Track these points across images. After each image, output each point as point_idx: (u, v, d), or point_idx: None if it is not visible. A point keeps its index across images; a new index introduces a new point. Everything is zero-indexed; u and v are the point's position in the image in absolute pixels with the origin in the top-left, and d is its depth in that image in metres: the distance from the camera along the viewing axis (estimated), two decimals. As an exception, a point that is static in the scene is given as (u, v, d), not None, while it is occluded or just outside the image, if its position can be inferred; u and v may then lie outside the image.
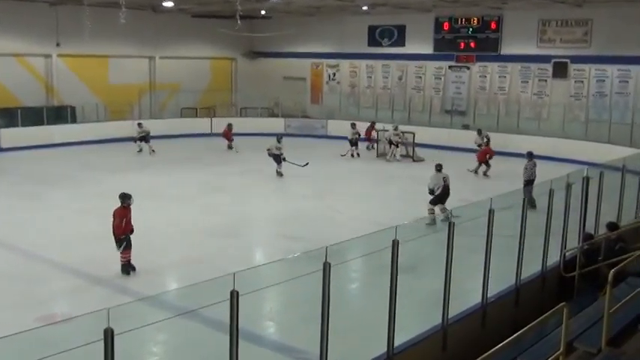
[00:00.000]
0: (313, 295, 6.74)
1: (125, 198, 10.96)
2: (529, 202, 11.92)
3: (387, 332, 7.13)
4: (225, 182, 18.87)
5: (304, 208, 16.02)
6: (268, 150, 19.82)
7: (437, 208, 14.18)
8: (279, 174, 19.64)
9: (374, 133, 25.64)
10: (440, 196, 14.37)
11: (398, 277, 7.14)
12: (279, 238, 13.33)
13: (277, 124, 29.50)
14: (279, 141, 19.73)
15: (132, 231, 11.04)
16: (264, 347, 8.32)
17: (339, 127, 28.73)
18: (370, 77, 31.34)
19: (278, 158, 19.68)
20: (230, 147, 24.93)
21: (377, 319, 7.55)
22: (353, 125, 24.71)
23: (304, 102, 33.10)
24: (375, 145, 25.13)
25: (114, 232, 10.92)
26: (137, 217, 11.17)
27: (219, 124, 28.58)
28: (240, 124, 29.30)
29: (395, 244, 6.98)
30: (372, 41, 30.73)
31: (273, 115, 31.86)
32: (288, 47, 32.89)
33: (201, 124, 29.27)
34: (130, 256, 10.98)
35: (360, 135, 24.84)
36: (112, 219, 10.93)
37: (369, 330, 8.43)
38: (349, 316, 9.03)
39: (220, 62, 33.73)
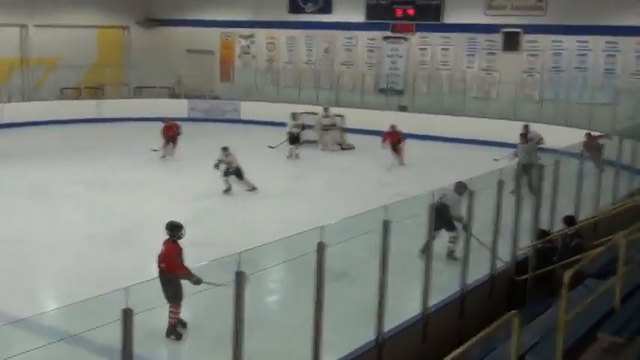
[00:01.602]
0: (225, 310, 6.74)
1: (175, 229, 9.48)
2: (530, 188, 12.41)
3: (311, 352, 7.20)
4: (118, 178, 18.55)
5: (212, 208, 15.94)
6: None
7: None
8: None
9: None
10: None
11: (325, 285, 7.21)
12: (181, 244, 13.19)
13: (179, 106, 29.17)
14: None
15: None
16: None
17: (255, 109, 28.74)
18: (291, 50, 31.39)
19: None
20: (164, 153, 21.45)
21: (301, 336, 7.61)
22: (294, 116, 22.62)
23: (212, 80, 32.83)
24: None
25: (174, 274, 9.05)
26: (13, 220, 10.86)
27: (109, 108, 28.08)
28: (134, 106, 28.87)
29: (320, 248, 7.05)
30: (294, 7, 30.78)
31: (174, 95, 31.48)
32: (192, 14, 32.57)
33: (86, 108, 28.61)
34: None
35: (304, 128, 22.77)
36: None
37: (291, 349, 8.49)
38: (268, 333, 9.07)
39: (110, 32, 33.06)
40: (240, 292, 6.35)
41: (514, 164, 15.55)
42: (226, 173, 17.06)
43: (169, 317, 9.02)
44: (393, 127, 21.04)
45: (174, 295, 8.93)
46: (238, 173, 17.05)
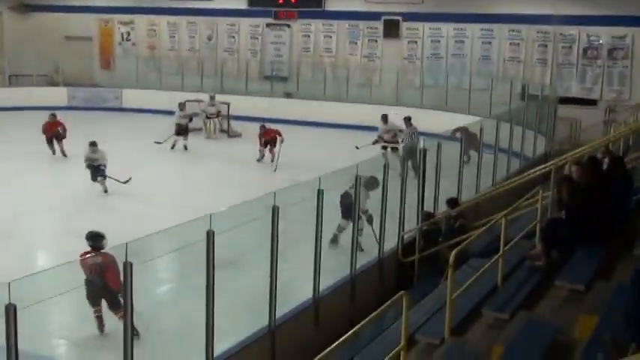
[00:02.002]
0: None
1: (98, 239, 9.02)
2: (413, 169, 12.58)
3: (204, 340, 7.13)
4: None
5: (95, 198, 15.49)
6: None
7: None
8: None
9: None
10: None
11: (215, 274, 7.15)
12: (65, 235, 12.77)
13: (58, 95, 28.19)
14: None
15: None
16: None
17: (137, 97, 28.15)
18: (173, 37, 30.83)
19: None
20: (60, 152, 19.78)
21: (193, 326, 7.53)
22: (181, 106, 21.82)
23: (92, 67, 31.90)
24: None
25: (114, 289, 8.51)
26: None
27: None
28: (9, 95, 27.73)
29: (210, 236, 6.98)
30: (175, -7, 30.31)
31: (52, 83, 30.35)
32: (68, -1, 31.57)
33: (-42, 97, 27.28)
34: None
35: (192, 119, 21.93)
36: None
37: (184, 339, 8.39)
38: (159, 324, 8.93)
39: (-21, 18, 31.57)
40: (127, 283, 6.22)
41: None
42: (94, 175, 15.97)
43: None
44: (263, 126, 20.12)
45: (118, 301, 8.32)
46: (99, 170, 16.00)
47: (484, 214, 11.95)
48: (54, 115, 19.92)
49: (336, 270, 9.84)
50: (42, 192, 15.67)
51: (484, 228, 9.14)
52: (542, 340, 5.88)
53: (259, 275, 8.81)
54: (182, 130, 21.18)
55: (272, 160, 18.99)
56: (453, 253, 7.34)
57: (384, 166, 10.40)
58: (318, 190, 8.72)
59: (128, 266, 6.18)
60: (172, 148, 21.00)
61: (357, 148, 18.64)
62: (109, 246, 8.52)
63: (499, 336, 6.54)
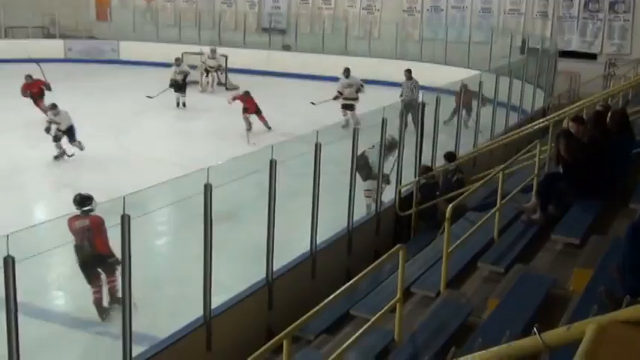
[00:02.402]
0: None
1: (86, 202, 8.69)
2: (413, 122, 12.54)
3: (202, 293, 7.19)
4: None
5: (91, 150, 15.44)
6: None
7: None
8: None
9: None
10: None
11: (213, 227, 7.18)
12: (61, 189, 12.80)
13: (55, 47, 27.99)
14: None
15: None
16: (53, 322, 8.06)
17: (134, 50, 27.95)
18: (171, -12, 30.58)
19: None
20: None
21: (191, 279, 7.59)
22: (178, 61, 21.19)
23: (89, 19, 31.59)
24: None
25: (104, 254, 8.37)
26: None
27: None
28: (5, 48, 27.53)
29: (207, 189, 6.99)
30: (172, -57, 29.91)
31: (49, 35, 30.13)
32: (62, -52, 31.08)
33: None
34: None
35: (187, 75, 21.14)
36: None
37: (182, 292, 8.46)
38: (157, 277, 9.00)
39: (-26, -32, 31.13)
40: (125, 235, 6.24)
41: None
42: (56, 138, 15.00)
43: (113, 288, 8.40)
44: (247, 93, 18.02)
45: (113, 267, 8.30)
46: (70, 133, 15.04)
47: (482, 169, 11.98)
48: (29, 77, 18.20)
49: (334, 224, 9.88)
50: (40, 146, 15.61)
51: (481, 182, 9.15)
52: (537, 293, 5.92)
53: (257, 229, 8.85)
54: (177, 87, 20.66)
55: (266, 125, 17.74)
56: (450, 206, 7.36)
57: (382, 120, 10.35)
58: (316, 144, 8.71)
59: (126, 219, 6.19)
60: (178, 105, 20.66)
61: (312, 104, 18.09)
62: (102, 202, 8.46)
63: (494, 289, 6.60)
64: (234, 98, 17.95)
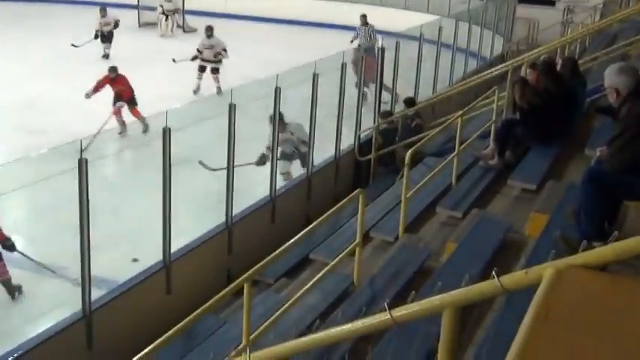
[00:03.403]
0: (66, 199, 6.56)
1: None
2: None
3: (161, 237, 7.18)
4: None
5: (41, 93, 15.09)
6: None
7: None
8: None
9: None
10: None
11: (172, 171, 7.12)
12: (16, 131, 12.56)
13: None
14: None
15: None
16: (10, 267, 7.97)
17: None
18: None
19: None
20: None
21: (151, 223, 7.55)
22: (103, 12, 19.46)
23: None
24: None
25: None
26: None
27: None
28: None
29: (166, 133, 6.91)
30: None
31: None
32: None
33: None
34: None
35: (117, 25, 19.65)
36: None
37: (141, 236, 8.42)
38: (115, 221, 8.94)
39: None
40: (82, 177, 6.16)
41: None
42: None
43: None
44: (114, 69, 13.61)
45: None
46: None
47: (440, 115, 12.03)
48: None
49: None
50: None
51: (440, 128, 9.20)
52: (494, 237, 6.01)
53: (214, 173, 8.82)
54: (103, 38, 19.44)
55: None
56: (409, 152, 7.41)
57: (342, 65, 10.28)
58: (276, 88, 8.65)
59: (83, 163, 6.11)
60: (103, 57, 18.85)
61: (173, 60, 16.70)
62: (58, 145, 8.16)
63: (452, 233, 6.68)
64: (98, 86, 13.39)
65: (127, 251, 8.24)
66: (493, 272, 2.65)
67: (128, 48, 19.50)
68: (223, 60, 16.34)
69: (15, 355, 5.86)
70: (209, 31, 16.53)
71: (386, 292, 5.68)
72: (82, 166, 6.13)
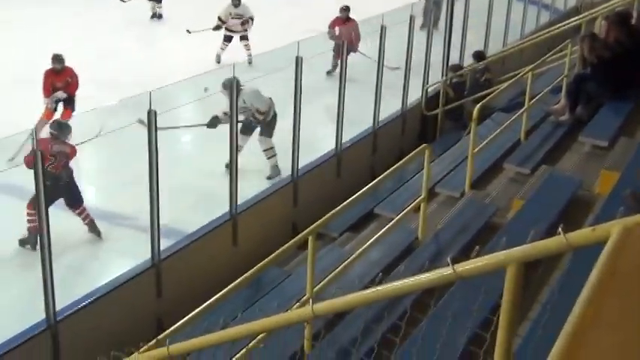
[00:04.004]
0: (137, 152, 6.69)
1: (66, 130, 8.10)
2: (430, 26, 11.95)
3: (228, 189, 7.28)
4: (9, 17, 17.42)
5: (119, 46, 15.32)
6: None
7: None
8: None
9: None
10: None
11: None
12: (87, 84, 12.78)
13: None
14: None
15: None
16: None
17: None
18: None
19: None
20: None
21: (217, 177, 7.66)
22: None
23: None
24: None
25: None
26: None
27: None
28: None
29: (233, 85, 6.97)
30: None
31: None
32: None
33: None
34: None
35: None
36: None
37: (207, 189, 8.54)
38: (183, 174, 9.08)
39: None
40: (152, 130, 6.28)
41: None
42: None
43: (86, 218, 7.97)
44: (59, 59, 10.75)
45: (79, 195, 7.96)
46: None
47: (510, 69, 11.79)
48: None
49: (357, 121, 9.83)
50: (65, 41, 15.45)
51: (510, 82, 9.04)
52: (562, 194, 5.92)
53: (281, 126, 8.86)
54: None
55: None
56: (477, 106, 7.31)
57: (410, 17, 10.15)
58: (342, 41, 8.60)
59: (152, 114, 6.21)
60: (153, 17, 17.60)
61: (188, 32, 14.88)
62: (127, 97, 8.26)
63: (519, 190, 6.60)
64: (46, 88, 10.85)
65: (195, 202, 8.38)
66: (559, 228, 2.61)
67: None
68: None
69: (89, 299, 6.07)
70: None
71: (450, 247, 5.67)
72: (152, 117, 6.24)
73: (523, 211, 5.80)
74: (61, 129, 8.16)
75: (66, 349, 5.80)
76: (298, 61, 7.82)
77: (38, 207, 5.67)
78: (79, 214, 7.90)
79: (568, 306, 2.01)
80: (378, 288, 2.78)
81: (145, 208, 6.52)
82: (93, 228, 7.94)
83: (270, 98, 9.03)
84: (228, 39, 14.73)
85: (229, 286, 4.71)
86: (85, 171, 9.36)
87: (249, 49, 14.49)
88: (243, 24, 14.69)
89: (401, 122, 10.46)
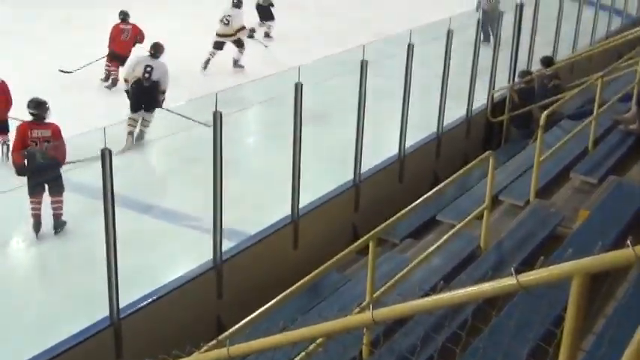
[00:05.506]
0: (202, 154, 6.77)
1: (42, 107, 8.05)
2: (494, 38, 11.85)
3: (290, 193, 7.31)
4: (83, 17, 17.79)
5: (185, 52, 15.50)
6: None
7: None
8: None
9: None
10: None
11: (302, 127, 7.22)
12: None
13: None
14: None
15: None
16: (148, 215, 8.36)
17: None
18: None
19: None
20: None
21: (280, 178, 7.70)
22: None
23: None
24: None
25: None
26: None
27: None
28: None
29: (298, 88, 7.00)
30: None
31: None
32: None
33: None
34: None
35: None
36: None
37: (270, 190, 8.60)
38: (247, 175, 9.16)
39: None
40: (217, 131, 6.34)
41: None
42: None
43: (58, 209, 7.81)
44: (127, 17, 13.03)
45: (62, 185, 7.79)
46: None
47: (580, 75, 11.58)
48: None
49: (421, 126, 9.78)
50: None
51: (579, 89, 8.87)
52: (631, 205, 5.79)
53: (344, 130, 8.86)
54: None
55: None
56: (544, 113, 7.19)
57: (478, 21, 10.06)
58: (409, 45, 8.56)
59: (218, 115, 6.28)
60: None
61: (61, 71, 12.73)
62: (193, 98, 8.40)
63: (586, 200, 6.48)
64: None
65: (258, 205, 8.44)
66: (628, 241, 2.56)
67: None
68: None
69: (150, 299, 6.17)
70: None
71: (513, 257, 5.59)
72: (217, 119, 6.31)
73: (589, 221, 5.69)
74: (39, 107, 7.93)
75: (128, 347, 5.89)
76: (363, 66, 7.82)
77: (105, 204, 5.75)
78: (55, 203, 7.70)
79: (635, 321, 1.97)
80: (439, 296, 2.76)
81: (209, 209, 6.60)
82: (60, 222, 7.79)
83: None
84: (218, 46, 14.12)
85: (289, 290, 4.73)
86: (150, 170, 9.55)
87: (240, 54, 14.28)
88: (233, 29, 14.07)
89: (465, 128, 10.36)
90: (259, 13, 16.78)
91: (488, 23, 13.36)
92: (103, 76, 12.88)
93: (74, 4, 17.59)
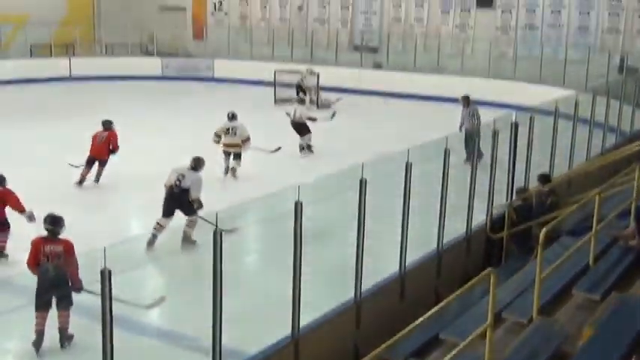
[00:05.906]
0: (201, 273, 6.74)
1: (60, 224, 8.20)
2: (473, 157, 11.97)
3: (290, 312, 7.23)
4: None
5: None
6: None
7: None
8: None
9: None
10: None
11: (302, 245, 7.22)
12: (155, 204, 13.06)
13: (152, 65, 28.89)
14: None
15: None
16: (145, 336, 8.25)
17: (228, 67, 28.59)
18: (265, 7, 31.07)
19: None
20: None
21: (279, 297, 7.64)
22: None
23: (185, 37, 32.47)
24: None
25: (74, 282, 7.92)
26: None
27: (79, 65, 27.87)
28: (105, 64, 28.66)
29: (298, 207, 7.04)
30: (266, -37, 30.50)
31: (147, 53, 31.09)
32: (163, -31, 32.14)
33: (57, 66, 28.14)
34: None
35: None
36: None
37: (270, 309, 8.53)
38: (246, 294, 9.09)
39: (79, -13, 32.44)
40: (217, 251, 6.33)
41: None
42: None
43: (65, 324, 7.90)
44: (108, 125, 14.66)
45: (70, 299, 7.90)
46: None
47: (577, 191, 11.67)
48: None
49: (421, 244, 9.78)
50: (135, 160, 15.93)
51: (577, 205, 8.92)
52: (635, 322, 5.73)
53: (344, 248, 8.85)
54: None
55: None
56: (544, 230, 7.19)
57: (474, 140, 10.22)
58: (407, 163, 8.67)
59: (218, 234, 6.29)
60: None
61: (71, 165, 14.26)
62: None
63: (589, 317, 6.41)
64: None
65: (258, 324, 8.34)
66: (633, 358, 2.52)
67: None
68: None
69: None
70: (232, 116, 15.48)
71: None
72: (217, 237, 6.31)
73: (594, 339, 5.61)
74: (55, 223, 8.05)
75: None
76: (362, 183, 7.89)
77: (103, 329, 5.67)
78: (62, 317, 7.78)
79: None
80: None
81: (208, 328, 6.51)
82: (67, 336, 7.83)
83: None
84: (227, 154, 15.26)
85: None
86: (150, 287, 9.48)
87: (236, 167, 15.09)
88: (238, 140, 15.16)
89: (466, 245, 10.36)
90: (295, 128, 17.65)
91: (470, 142, 13.56)
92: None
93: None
